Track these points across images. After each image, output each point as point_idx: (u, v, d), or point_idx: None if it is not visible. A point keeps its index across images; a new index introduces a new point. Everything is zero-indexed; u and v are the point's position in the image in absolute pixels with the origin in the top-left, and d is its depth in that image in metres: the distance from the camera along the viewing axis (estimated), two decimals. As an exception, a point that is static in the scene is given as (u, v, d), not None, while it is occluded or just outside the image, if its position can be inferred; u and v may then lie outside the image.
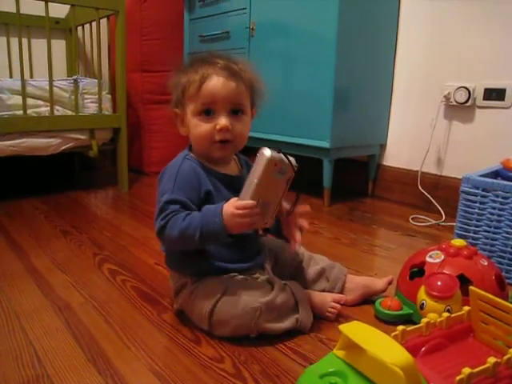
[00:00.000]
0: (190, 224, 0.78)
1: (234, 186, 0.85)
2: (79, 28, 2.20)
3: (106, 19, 1.97)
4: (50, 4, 1.76)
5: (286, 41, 1.85)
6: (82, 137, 1.89)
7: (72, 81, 1.85)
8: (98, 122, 1.92)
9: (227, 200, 0.78)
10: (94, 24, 2.04)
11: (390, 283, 1.01)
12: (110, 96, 2.00)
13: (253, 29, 1.98)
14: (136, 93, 2.32)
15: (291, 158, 0.79)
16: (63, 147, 1.86)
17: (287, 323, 0.83)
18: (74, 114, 1.86)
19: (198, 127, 0.85)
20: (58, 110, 1.84)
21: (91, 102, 1.93)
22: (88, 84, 1.92)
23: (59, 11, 2.24)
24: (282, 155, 0.77)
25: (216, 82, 0.83)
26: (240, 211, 0.75)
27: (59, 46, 2.35)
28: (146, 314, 0.93)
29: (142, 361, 0.78)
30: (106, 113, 1.96)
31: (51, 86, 1.77)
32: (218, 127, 0.84)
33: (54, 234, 1.43)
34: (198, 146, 0.88)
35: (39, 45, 2.20)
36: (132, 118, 2.29)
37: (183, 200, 0.81)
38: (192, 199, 0.82)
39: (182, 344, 0.83)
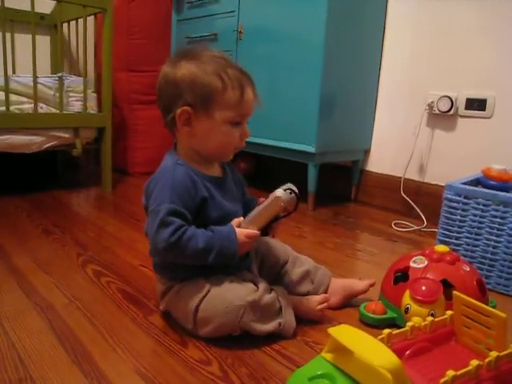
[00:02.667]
0: (206, 246, 0.81)
1: (223, 189, 0.90)
2: (65, 25, 2.18)
3: (93, 17, 1.95)
4: (35, -1, 1.73)
5: (273, 45, 1.86)
6: (66, 135, 1.87)
7: (57, 78, 1.83)
8: (82, 120, 1.90)
9: (221, 209, 0.86)
10: (80, 21, 2.01)
11: (371, 285, 1.03)
12: (95, 95, 1.99)
13: (241, 32, 1.99)
14: (122, 92, 2.31)
15: (294, 195, 0.86)
16: (46, 145, 1.84)
17: (270, 326, 0.84)
18: (58, 111, 1.83)
19: (229, 135, 0.86)
20: (41, 108, 1.81)
21: (76, 101, 1.90)
22: (73, 82, 1.89)
23: (44, 6, 2.21)
24: (292, 196, 0.85)
25: (252, 96, 0.87)
26: (249, 240, 0.84)
27: (44, 42, 2.32)
28: (132, 316, 0.93)
29: (128, 363, 0.77)
30: (91, 111, 1.94)
31: (35, 82, 1.75)
32: (244, 136, 0.88)
33: (37, 233, 1.41)
34: (216, 150, 0.88)
35: (23, 40, 2.17)
36: (117, 118, 2.27)
37: (183, 212, 0.81)
38: (189, 208, 0.83)
39: (168, 346, 0.83)
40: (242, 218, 0.88)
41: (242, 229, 0.85)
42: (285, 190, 0.85)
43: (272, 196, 0.85)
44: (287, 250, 1.02)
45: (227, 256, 0.83)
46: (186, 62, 0.84)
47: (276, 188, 0.86)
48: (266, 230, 0.90)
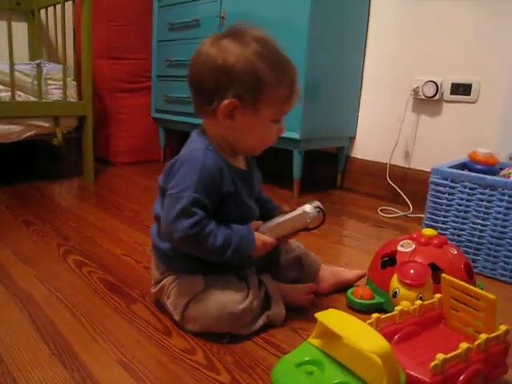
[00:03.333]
0: (224, 244, 0.77)
1: (247, 184, 0.86)
2: (42, 10, 2.11)
3: (71, 2, 1.89)
4: (10, -16, 1.68)
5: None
6: (46, 124, 1.82)
7: (35, 65, 1.78)
8: (62, 109, 1.85)
9: (243, 205, 0.83)
10: (58, 6, 1.96)
11: (361, 276, 1.02)
12: (75, 82, 1.93)
13: (223, 18, 1.95)
14: (103, 80, 2.25)
15: (322, 214, 0.84)
16: (25, 135, 1.78)
17: (258, 324, 0.82)
18: (37, 100, 1.78)
19: (269, 132, 0.82)
20: (19, 96, 1.76)
21: (55, 89, 1.85)
22: (52, 69, 1.84)
23: (20, -8, 2.15)
24: (320, 215, 0.84)
25: (297, 93, 0.82)
26: (264, 247, 0.82)
27: (21, 28, 2.25)
28: (114, 306, 0.91)
29: (110, 353, 0.75)
30: (71, 100, 1.89)
31: (12, 69, 1.69)
32: (280, 133, 0.84)
33: (16, 224, 1.37)
34: (252, 146, 0.84)
35: (-2, 27, 2.11)
36: (98, 106, 2.22)
37: (206, 203, 0.77)
38: (212, 200, 0.78)
39: (151, 336, 0.81)
40: (260, 222, 0.85)
41: (261, 234, 0.82)
42: (314, 207, 0.83)
43: (300, 210, 0.82)
44: None
45: (241, 257, 0.80)
46: (234, 46, 0.77)
47: (305, 203, 0.84)
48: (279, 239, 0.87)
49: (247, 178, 0.86)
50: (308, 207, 0.82)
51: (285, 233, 0.85)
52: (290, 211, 0.85)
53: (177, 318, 0.82)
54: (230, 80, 0.76)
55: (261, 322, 0.82)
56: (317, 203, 0.84)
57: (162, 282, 0.86)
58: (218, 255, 0.79)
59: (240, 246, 0.79)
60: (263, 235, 0.82)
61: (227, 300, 0.79)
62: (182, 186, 0.76)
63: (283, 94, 0.79)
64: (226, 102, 0.76)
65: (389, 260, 0.96)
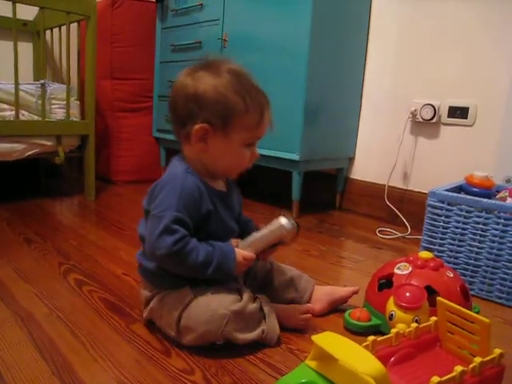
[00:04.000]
0: (206, 260, 0.81)
1: (226, 204, 0.90)
2: (47, 31, 2.16)
3: (76, 24, 1.94)
4: (17, 5, 1.72)
5: (258, 53, 1.87)
6: (49, 143, 1.84)
7: (39, 85, 1.81)
8: (65, 128, 1.88)
9: (223, 224, 0.88)
10: (63, 28, 2.00)
11: (355, 293, 1.03)
12: (78, 102, 1.97)
13: (225, 40, 1.99)
14: (105, 100, 2.29)
15: (296, 226, 0.88)
16: (28, 153, 1.81)
17: (253, 334, 0.83)
18: (40, 119, 1.81)
19: (242, 156, 0.87)
20: (23, 115, 1.79)
21: (59, 108, 1.88)
22: (56, 89, 1.87)
23: (27, 13, 2.20)
24: (295, 227, 0.87)
25: (269, 121, 0.87)
26: (245, 262, 0.86)
27: (26, 49, 2.30)
28: (114, 325, 0.91)
29: (109, 373, 0.76)
30: (74, 119, 1.92)
31: (17, 89, 1.72)
32: (254, 158, 0.89)
33: (17, 241, 1.39)
34: (226, 169, 0.88)
35: (4, 47, 2.14)
36: (100, 126, 2.25)
37: (187, 222, 0.81)
38: (193, 219, 0.82)
39: (151, 356, 0.81)
40: (239, 240, 0.89)
41: (241, 250, 0.86)
42: (288, 220, 0.86)
43: (276, 224, 0.87)
44: (270, 259, 1.02)
45: (224, 273, 0.84)
46: (207, 75, 0.83)
47: (278, 216, 0.89)
48: (258, 254, 0.90)
49: (225, 199, 0.91)
50: (284, 220, 0.86)
51: (263, 246, 0.89)
52: (265, 226, 0.89)
53: (173, 333, 0.83)
54: (201, 107, 0.82)
55: (256, 334, 0.83)
56: (289, 217, 0.88)
57: (151, 305, 0.87)
58: (200, 272, 0.82)
59: (222, 262, 0.83)
60: (243, 251, 0.86)
61: (219, 303, 0.81)
62: (163, 206, 0.81)
63: (253, 120, 0.84)
64: (197, 126, 0.82)
65: (386, 282, 0.97)
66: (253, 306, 0.84)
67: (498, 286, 1.14)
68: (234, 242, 0.87)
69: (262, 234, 0.88)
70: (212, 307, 0.81)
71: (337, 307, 1.02)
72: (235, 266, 0.84)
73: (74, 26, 1.94)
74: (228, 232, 0.90)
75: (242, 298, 0.84)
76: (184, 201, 0.81)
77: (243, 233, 0.94)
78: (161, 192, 0.83)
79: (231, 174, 0.91)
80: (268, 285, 0.98)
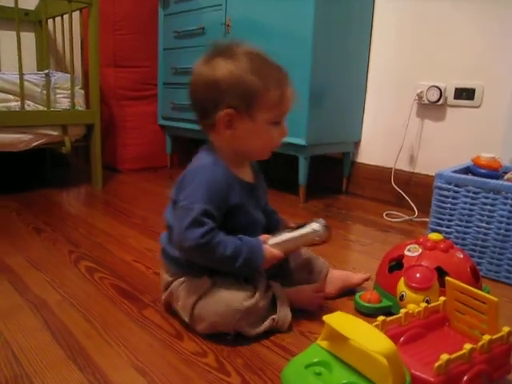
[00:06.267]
0: (234, 254, 0.81)
1: (253, 196, 0.91)
2: (50, 21, 2.15)
3: (78, 12, 1.93)
4: (19, -5, 1.71)
5: (261, 39, 1.84)
6: (54, 133, 1.85)
7: (44, 75, 1.81)
8: (70, 117, 1.88)
9: (249, 216, 0.88)
10: (65, 17, 1.99)
11: (366, 280, 1.04)
12: (82, 91, 1.97)
13: (228, 25, 1.98)
14: (109, 88, 2.29)
15: (329, 232, 0.89)
16: (35, 143, 1.81)
17: (263, 326, 0.84)
18: (45, 109, 1.81)
19: (270, 135, 0.86)
20: (28, 105, 1.79)
21: (63, 97, 1.88)
22: (60, 78, 1.87)
23: (28, 2, 2.19)
24: (328, 233, 0.88)
25: (291, 95, 0.86)
26: (273, 260, 0.86)
27: (29, 38, 2.29)
28: (126, 311, 0.93)
29: (123, 357, 0.77)
30: (79, 108, 1.92)
31: (22, 79, 1.72)
32: (283, 135, 0.88)
33: (27, 231, 1.40)
34: (257, 150, 0.88)
35: (7, 37, 2.14)
36: (105, 115, 2.25)
37: (215, 214, 0.81)
38: (220, 211, 0.82)
39: (164, 340, 0.83)
40: (268, 236, 0.88)
41: (270, 247, 0.86)
42: (323, 226, 0.87)
43: (309, 228, 0.87)
44: None
45: (251, 268, 0.84)
46: (223, 61, 0.82)
47: (311, 220, 0.89)
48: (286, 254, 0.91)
49: (253, 190, 0.91)
50: (316, 225, 0.87)
51: (293, 248, 0.90)
52: (297, 227, 0.90)
53: (186, 319, 0.84)
54: (221, 92, 0.81)
55: (266, 324, 0.84)
56: (322, 221, 0.89)
57: (171, 287, 0.88)
58: (227, 265, 0.82)
59: (250, 258, 0.82)
60: (272, 249, 0.86)
61: (233, 297, 0.81)
62: (192, 199, 0.80)
63: (274, 96, 0.83)
64: (221, 113, 0.82)
65: (396, 264, 0.97)
66: (266, 300, 0.85)
67: (506, 267, 1.15)
68: (264, 237, 0.87)
69: (295, 235, 0.87)
70: (227, 301, 0.81)
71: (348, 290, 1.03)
72: (263, 263, 0.84)
73: (76, 15, 1.93)
74: (254, 224, 0.90)
75: (256, 291, 0.84)
76: (212, 193, 0.81)
77: (268, 224, 0.94)
78: (190, 183, 0.82)
79: (263, 155, 0.90)
80: (284, 266, 0.98)
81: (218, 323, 0.81)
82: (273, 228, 0.95)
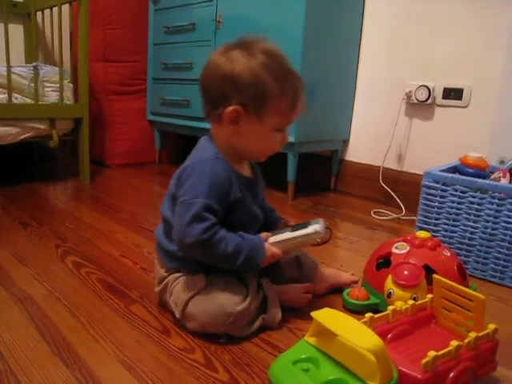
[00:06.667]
0: (235, 252, 0.80)
1: (252, 191, 0.90)
2: (39, 13, 2.12)
3: (67, 5, 1.90)
4: (7, -14, 1.69)
5: (252, 35, 1.85)
6: (42, 126, 1.82)
7: (32, 68, 1.79)
8: (58, 111, 1.86)
9: (249, 212, 0.87)
10: (54, 9, 1.97)
11: (355, 282, 1.05)
12: (71, 85, 1.94)
13: (219, 21, 1.97)
14: (98, 83, 2.26)
15: (330, 233, 0.88)
16: (22, 137, 1.79)
17: (254, 326, 0.84)
18: (33, 102, 1.79)
19: (272, 140, 0.85)
20: (16, 98, 1.76)
21: (52, 91, 1.86)
22: (49, 72, 1.85)
23: (16, -6, 2.16)
24: (329, 234, 0.88)
25: (302, 104, 0.85)
26: (273, 259, 0.85)
27: (17, 30, 2.25)
28: (113, 306, 0.92)
29: (110, 353, 0.76)
30: (68, 102, 1.90)
31: (9, 72, 1.70)
32: (284, 142, 0.87)
33: (13, 225, 1.38)
34: (256, 152, 0.87)
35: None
36: (94, 109, 2.23)
37: (217, 209, 0.80)
38: (222, 206, 0.81)
39: (151, 335, 0.82)
40: (269, 234, 0.87)
41: (270, 246, 0.85)
42: (325, 228, 0.86)
43: (311, 229, 0.86)
44: None
45: (251, 266, 0.83)
46: (243, 56, 0.80)
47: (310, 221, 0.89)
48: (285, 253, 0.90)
49: (252, 186, 0.90)
50: (318, 226, 0.85)
51: (293, 248, 0.89)
52: (296, 226, 0.89)
53: (178, 315, 0.84)
54: (235, 88, 0.80)
55: (257, 324, 0.84)
56: (323, 222, 0.88)
57: (165, 281, 0.87)
58: (228, 262, 0.81)
59: (251, 256, 0.82)
60: (273, 247, 0.85)
61: (226, 300, 0.81)
62: (193, 193, 0.79)
63: (287, 104, 0.82)
64: (230, 108, 0.80)
65: (383, 262, 0.98)
66: (256, 301, 0.84)
67: (492, 265, 1.16)
68: (264, 235, 0.86)
69: (297, 236, 0.86)
70: (219, 303, 0.80)
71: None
72: (263, 261, 0.83)
73: (65, 7, 1.90)
74: (253, 220, 0.90)
75: (248, 292, 0.84)
76: (214, 187, 0.79)
77: (265, 222, 0.94)
78: (190, 177, 0.81)
79: (260, 158, 0.90)
80: (274, 263, 0.99)
81: (208, 324, 0.81)
82: (271, 225, 0.95)
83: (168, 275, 0.87)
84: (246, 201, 0.86)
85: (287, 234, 0.87)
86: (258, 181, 0.93)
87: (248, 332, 0.83)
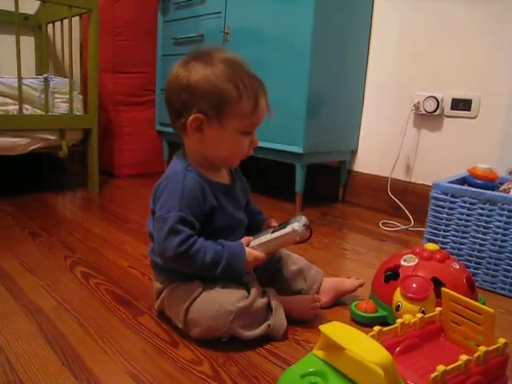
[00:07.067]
0: (214, 260, 0.82)
1: (231, 197, 0.91)
2: (49, 25, 2.16)
3: (78, 17, 1.94)
4: (19, -1, 1.71)
5: (260, 47, 1.86)
6: (52, 137, 1.85)
7: (42, 79, 1.81)
8: (68, 122, 1.88)
9: (228, 217, 0.88)
10: (65, 22, 2.00)
11: (360, 286, 1.04)
12: (81, 96, 1.97)
13: (227, 33, 1.99)
14: (107, 94, 2.29)
15: (309, 231, 0.88)
16: (32, 147, 1.81)
17: (259, 330, 0.83)
18: (43, 113, 1.81)
19: (239, 144, 0.86)
20: (26, 109, 1.79)
21: (62, 102, 1.88)
22: (59, 83, 1.87)
23: (28, 7, 2.19)
24: (308, 232, 0.88)
25: (264, 106, 0.86)
26: (256, 262, 0.86)
27: (28, 42, 2.29)
28: (122, 317, 0.92)
29: (118, 364, 0.77)
30: (77, 113, 1.92)
31: (20, 83, 1.72)
32: (253, 145, 0.88)
33: (23, 235, 1.39)
34: (224, 157, 0.88)
35: (7, 41, 2.14)
36: (103, 119, 2.25)
37: (192, 220, 0.81)
38: (197, 217, 0.83)
39: (159, 347, 0.82)
40: (251, 238, 0.89)
41: (252, 250, 0.86)
42: (303, 225, 0.87)
43: (290, 228, 0.86)
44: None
45: (233, 272, 0.84)
46: (200, 65, 0.82)
47: (291, 218, 0.90)
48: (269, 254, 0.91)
49: (229, 192, 0.91)
50: (297, 225, 0.86)
51: (275, 248, 0.91)
52: (278, 226, 0.90)
53: (180, 325, 0.84)
54: (193, 97, 0.82)
55: (262, 329, 0.83)
56: (304, 220, 0.88)
57: (162, 295, 0.89)
58: (209, 271, 0.83)
59: (231, 262, 0.83)
60: (255, 251, 0.86)
61: (225, 299, 0.81)
62: (167, 208, 0.81)
63: (247, 107, 0.83)
64: (191, 117, 0.82)
65: (392, 274, 0.97)
66: (260, 303, 0.84)
67: (502, 278, 1.15)
68: (246, 240, 0.88)
69: (276, 236, 0.87)
70: (219, 303, 0.81)
71: (342, 298, 1.03)
72: (245, 266, 0.85)
73: (75, 20, 1.93)
74: (235, 224, 0.91)
75: (249, 293, 0.84)
76: (186, 200, 0.81)
77: (252, 225, 0.96)
78: (163, 193, 0.83)
79: (231, 163, 0.91)
80: (277, 275, 0.99)
81: (212, 327, 0.81)
82: (255, 227, 0.96)
83: (163, 288, 0.88)
84: (224, 207, 0.87)
85: (267, 236, 0.88)
86: (235, 186, 0.94)
87: (252, 334, 0.82)
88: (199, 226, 0.83)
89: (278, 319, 0.86)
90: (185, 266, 0.83)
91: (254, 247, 0.87)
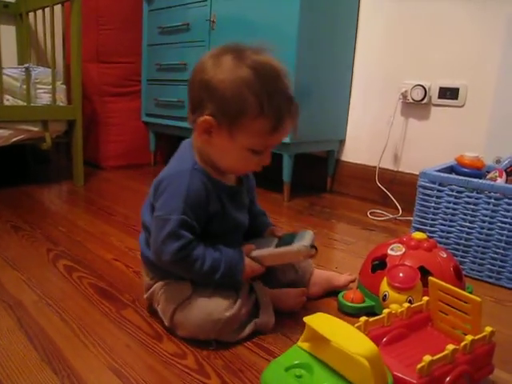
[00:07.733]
0: (212, 269, 0.78)
1: (236, 199, 0.86)
2: (31, 14, 2.10)
3: (60, 5, 1.89)
4: (-2, -13, 1.67)
5: (246, 35, 1.83)
6: (35, 128, 1.81)
7: (23, 69, 1.77)
8: (51, 113, 1.84)
9: (231, 221, 0.84)
10: (46, 10, 1.95)
11: (352, 281, 1.03)
12: (64, 86, 1.93)
13: (213, 21, 1.96)
14: (92, 84, 2.25)
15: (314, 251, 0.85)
16: (14, 139, 1.77)
17: (247, 329, 0.82)
18: (25, 104, 1.77)
19: (246, 160, 0.79)
20: (8, 100, 1.75)
21: (44, 93, 1.84)
22: (41, 73, 1.83)
23: (8, -5, 2.14)
24: (313, 252, 0.85)
25: (288, 129, 0.79)
26: (253, 274, 0.83)
27: (8, 31, 2.23)
28: (105, 311, 0.90)
29: (100, 359, 0.75)
30: (61, 104, 1.88)
31: (1, 74, 1.68)
32: (263, 164, 0.81)
33: (5, 229, 1.36)
34: (228, 168, 0.82)
35: (-14, 31, 2.09)
36: (88, 110, 2.21)
37: (194, 225, 0.77)
38: (199, 221, 0.79)
39: (142, 341, 0.81)
40: (252, 246, 0.85)
41: (251, 261, 0.83)
42: (310, 246, 0.83)
43: (295, 248, 0.83)
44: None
45: (229, 281, 0.81)
46: (229, 65, 0.74)
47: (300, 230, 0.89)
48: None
49: (235, 194, 0.86)
50: (303, 246, 0.83)
51: (276, 264, 0.88)
52: (283, 237, 0.88)
53: (167, 323, 0.82)
54: (211, 98, 0.75)
55: (248, 329, 0.82)
56: (310, 238, 0.85)
57: (152, 288, 0.86)
58: (205, 279, 0.80)
59: (229, 272, 0.80)
60: (254, 262, 0.83)
61: (213, 307, 0.79)
62: (168, 209, 0.77)
63: (265, 126, 0.75)
64: (202, 118, 0.76)
65: (379, 263, 0.96)
66: (247, 305, 0.82)
67: (489, 266, 1.15)
68: (247, 248, 0.84)
69: (278, 252, 0.84)
70: (207, 311, 0.79)
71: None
72: (242, 277, 0.82)
73: (58, 8, 1.89)
74: (235, 227, 0.87)
75: (238, 297, 0.82)
76: (190, 202, 0.76)
77: (255, 225, 0.93)
78: (166, 190, 0.78)
79: (234, 173, 0.86)
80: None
81: (197, 332, 0.79)
82: (256, 230, 0.93)
83: (153, 283, 0.86)
84: (227, 210, 0.83)
85: (270, 250, 0.85)
86: (242, 188, 0.89)
87: (239, 337, 0.81)
88: (200, 231, 0.80)
89: (266, 317, 0.85)
90: (180, 270, 0.80)
91: (254, 258, 0.84)
